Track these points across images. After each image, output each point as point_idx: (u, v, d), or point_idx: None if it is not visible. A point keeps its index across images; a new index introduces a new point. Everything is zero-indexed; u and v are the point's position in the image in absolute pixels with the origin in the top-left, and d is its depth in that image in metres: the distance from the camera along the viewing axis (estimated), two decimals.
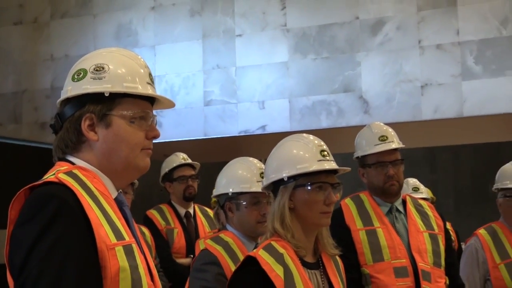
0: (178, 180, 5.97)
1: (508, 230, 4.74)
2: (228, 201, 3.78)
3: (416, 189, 5.98)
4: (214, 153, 6.50)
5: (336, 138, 6.07)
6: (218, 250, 3.61)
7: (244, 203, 3.72)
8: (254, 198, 3.70)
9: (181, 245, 5.33)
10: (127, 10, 7.75)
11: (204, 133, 7.25)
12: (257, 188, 3.68)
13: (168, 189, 6.15)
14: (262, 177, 3.59)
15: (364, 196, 4.15)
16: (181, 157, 6.15)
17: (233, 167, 3.89)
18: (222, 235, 3.76)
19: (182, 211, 6.02)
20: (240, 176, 3.80)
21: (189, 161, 6.15)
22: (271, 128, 7.05)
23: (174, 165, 6.12)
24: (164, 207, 6.11)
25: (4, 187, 6.46)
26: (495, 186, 4.87)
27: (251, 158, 3.92)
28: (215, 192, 3.91)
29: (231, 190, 3.76)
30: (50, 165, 2.27)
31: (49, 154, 7.59)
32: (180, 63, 7.45)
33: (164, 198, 6.22)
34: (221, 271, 3.52)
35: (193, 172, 6.04)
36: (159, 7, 7.62)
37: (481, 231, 4.79)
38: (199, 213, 6.04)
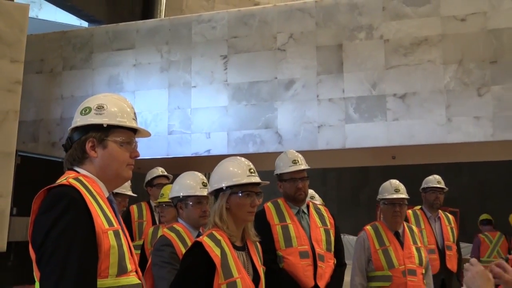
0: (156, 186, 5.92)
1: (386, 227, 4.82)
2: (179, 202, 3.78)
3: (312, 197, 5.92)
4: (174, 168, 6.44)
5: (258, 160, 6.05)
6: (172, 236, 3.63)
7: (191, 203, 3.73)
8: (198, 199, 3.72)
9: (148, 235, 5.32)
10: (116, 66, 7.67)
11: (166, 153, 7.23)
12: (200, 192, 3.72)
13: (149, 192, 6.10)
14: (204, 185, 3.74)
15: (281, 201, 4.21)
16: (160, 170, 6.14)
17: (183, 178, 3.86)
18: (175, 225, 3.75)
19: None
20: (188, 184, 3.79)
21: (165, 173, 6.13)
22: (214, 152, 7.00)
23: (154, 175, 6.09)
24: (143, 204, 6.08)
25: (25, 187, 6.41)
26: (378, 197, 4.93)
27: (196, 172, 3.91)
28: (170, 195, 3.90)
29: (181, 193, 3.77)
30: (58, 173, 2.30)
31: (57, 165, 7.48)
32: (152, 104, 7.39)
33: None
34: (174, 251, 3.53)
35: (167, 181, 5.96)
36: (139, 65, 7.56)
37: (368, 227, 4.89)
38: None
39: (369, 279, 4.71)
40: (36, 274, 2.05)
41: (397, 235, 4.79)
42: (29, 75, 7.57)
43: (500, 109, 6.05)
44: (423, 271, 4.74)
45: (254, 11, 7.18)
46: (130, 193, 5.33)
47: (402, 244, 4.74)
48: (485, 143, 6.17)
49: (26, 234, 6.99)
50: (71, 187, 2.11)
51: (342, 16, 6.74)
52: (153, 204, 5.99)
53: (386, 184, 4.91)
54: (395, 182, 4.89)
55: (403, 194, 4.80)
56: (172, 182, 4.63)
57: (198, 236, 3.46)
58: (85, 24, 10.15)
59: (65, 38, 8.02)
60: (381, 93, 6.47)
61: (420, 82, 6.36)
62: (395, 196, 4.77)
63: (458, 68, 6.24)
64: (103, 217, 2.13)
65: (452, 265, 6.03)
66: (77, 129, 2.29)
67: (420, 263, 4.71)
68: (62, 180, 2.17)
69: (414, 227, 5.04)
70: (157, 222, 5.76)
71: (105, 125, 2.26)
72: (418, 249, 4.78)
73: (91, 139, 2.25)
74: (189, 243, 3.42)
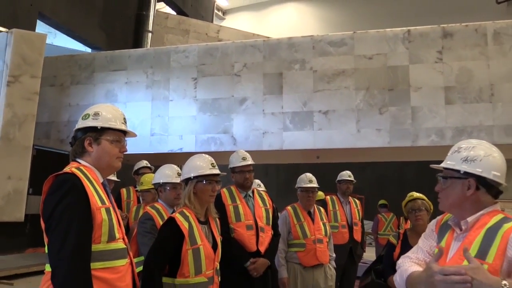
0: (141, 175, 5.72)
1: (302, 207, 4.89)
2: (160, 187, 3.77)
3: (259, 185, 5.99)
4: (154, 161, 6.40)
5: (218, 157, 6.03)
6: (153, 212, 3.62)
7: (168, 188, 3.73)
8: (173, 185, 3.73)
9: (132, 212, 5.27)
10: (112, 83, 7.55)
11: (149, 150, 7.15)
12: (175, 180, 3.72)
13: (136, 179, 5.97)
14: (179, 175, 3.72)
15: (233, 188, 4.19)
16: (144, 162, 6.05)
17: (163, 169, 3.85)
18: (155, 204, 3.73)
19: None
20: (166, 173, 3.78)
21: (149, 165, 6.05)
22: (185, 150, 6.96)
23: (140, 166, 6.01)
24: (131, 188, 5.96)
25: (39, 173, 6.33)
26: (296, 185, 4.98)
27: (173, 165, 3.90)
28: (153, 181, 3.89)
29: (161, 180, 3.76)
30: (65, 162, 2.30)
31: (64, 157, 7.26)
32: (139, 113, 7.29)
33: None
34: (154, 224, 3.53)
35: (150, 171, 5.87)
36: (130, 82, 7.45)
37: (289, 208, 4.96)
38: None
39: (289, 246, 4.77)
40: (45, 240, 2.07)
41: (309, 213, 4.89)
42: (45, 87, 7.36)
43: (395, 124, 6.17)
44: (327, 240, 4.89)
45: (217, 46, 7.16)
46: (114, 178, 5.21)
47: (313, 220, 4.84)
48: (383, 148, 6.25)
49: (39, 208, 6.96)
50: (73, 175, 2.10)
51: (283, 52, 6.76)
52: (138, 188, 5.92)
53: (303, 176, 4.97)
54: (309, 175, 4.95)
55: (315, 184, 4.88)
56: (154, 172, 4.61)
57: (172, 213, 3.45)
58: (88, 50, 10.05)
59: (73, 60, 7.87)
60: (310, 109, 6.50)
61: (338, 102, 6.40)
62: (309, 185, 4.86)
63: (366, 93, 6.32)
64: (97, 198, 2.12)
65: (357, 236, 6.22)
66: (79, 130, 2.29)
67: (326, 234, 4.85)
68: (66, 169, 2.16)
69: (321, 208, 5.15)
70: (141, 202, 5.73)
71: (99, 127, 2.26)
72: (324, 224, 4.90)
73: (88, 138, 2.25)
74: (166, 218, 3.39)
